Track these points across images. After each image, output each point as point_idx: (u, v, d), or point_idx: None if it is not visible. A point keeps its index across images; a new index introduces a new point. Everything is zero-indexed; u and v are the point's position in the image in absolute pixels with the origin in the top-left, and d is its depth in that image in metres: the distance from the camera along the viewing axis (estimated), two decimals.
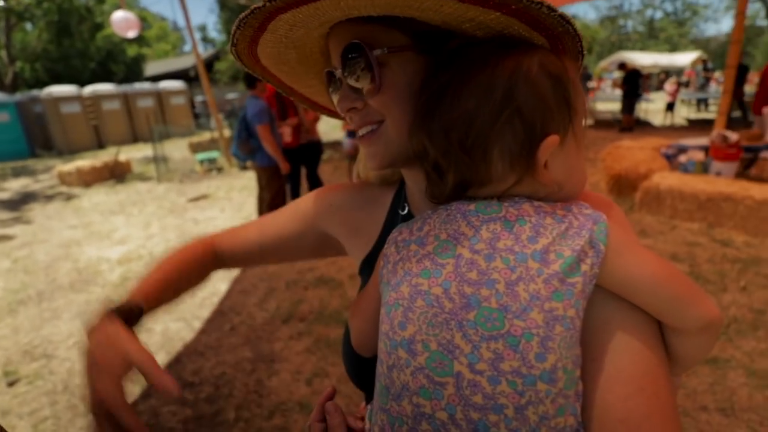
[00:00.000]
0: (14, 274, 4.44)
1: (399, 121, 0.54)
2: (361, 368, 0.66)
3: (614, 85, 14.31)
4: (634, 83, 10.63)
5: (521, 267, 0.42)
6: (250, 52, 0.58)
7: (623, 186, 5.24)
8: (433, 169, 0.48)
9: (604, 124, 12.16)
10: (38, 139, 14.46)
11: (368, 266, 0.73)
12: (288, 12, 0.49)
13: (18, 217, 6.84)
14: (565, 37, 0.49)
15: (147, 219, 6.07)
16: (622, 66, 11.45)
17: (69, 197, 7.96)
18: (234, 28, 0.52)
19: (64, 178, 8.91)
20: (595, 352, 0.44)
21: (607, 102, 14.64)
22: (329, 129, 8.22)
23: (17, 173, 11.28)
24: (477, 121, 0.44)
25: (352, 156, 6.54)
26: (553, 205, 0.46)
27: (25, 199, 8.13)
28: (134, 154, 11.76)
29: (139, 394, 2.47)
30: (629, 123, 10.67)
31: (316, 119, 4.73)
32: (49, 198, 8.05)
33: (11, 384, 2.68)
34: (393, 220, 0.71)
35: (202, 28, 38.40)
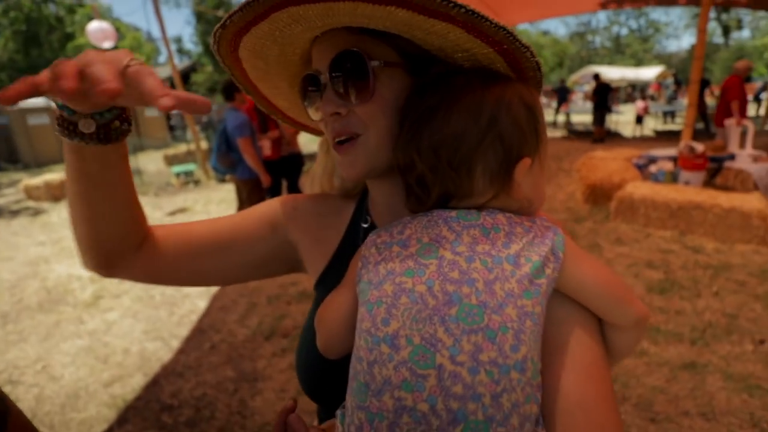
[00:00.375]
0: None
1: (381, 133, 0.58)
2: (321, 378, 0.66)
3: (585, 97, 14.81)
4: (603, 96, 11.06)
5: (497, 268, 0.48)
6: (232, 39, 0.57)
7: (598, 195, 5.40)
8: (417, 182, 0.53)
9: (577, 135, 12.56)
10: (2, 152, 13.86)
11: (326, 280, 0.72)
12: (300, 6, 0.49)
13: None
14: (531, 75, 0.56)
15: None
16: (596, 77, 11.86)
17: (36, 212, 7.63)
18: (242, 5, 0.50)
19: (30, 193, 8.54)
20: (552, 346, 0.50)
21: (580, 114, 15.14)
22: (309, 141, 8.22)
23: None
24: (464, 143, 0.50)
25: None
26: (521, 217, 0.53)
27: None
28: None
29: (115, 419, 2.36)
30: (601, 134, 11.06)
31: (297, 131, 4.70)
32: (15, 213, 7.70)
33: None
34: (354, 233, 0.72)
35: (178, 40, 37.91)
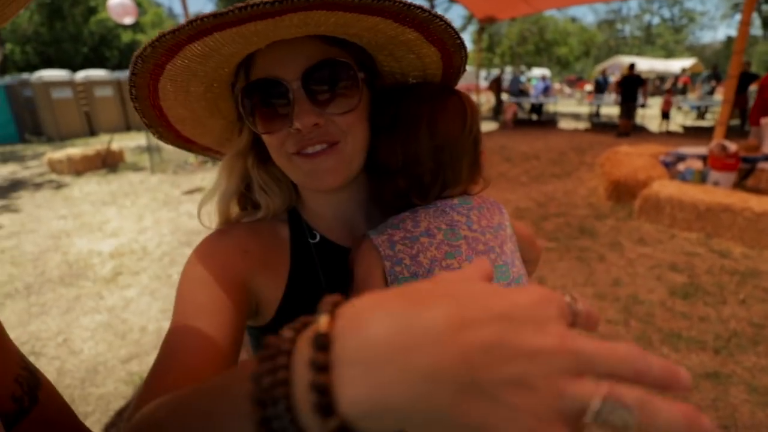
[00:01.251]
0: (1, 266, 4.32)
1: (357, 140, 0.62)
2: None
3: (611, 89, 14.32)
4: (630, 88, 10.65)
5: (499, 235, 0.63)
6: (152, 69, 0.53)
7: (622, 192, 5.25)
8: (415, 180, 0.63)
9: (602, 127, 12.21)
10: (27, 124, 14.12)
11: (287, 305, 0.65)
12: (242, 26, 0.48)
13: (6, 205, 6.68)
14: (456, 55, 0.64)
15: (140, 211, 5.95)
16: (632, 67, 11.32)
17: (59, 186, 7.78)
18: (184, 25, 0.46)
19: (54, 166, 8.71)
20: None
21: (606, 106, 14.69)
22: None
23: (5, 159, 11.02)
24: (458, 146, 0.63)
25: None
26: (480, 196, 0.68)
27: (13, 186, 7.94)
28: (127, 143, 11.53)
29: (132, 397, 2.41)
30: (626, 128, 10.71)
31: None
32: (38, 186, 7.87)
33: None
34: (304, 251, 0.68)
35: None
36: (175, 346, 0.52)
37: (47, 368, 2.70)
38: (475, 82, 14.32)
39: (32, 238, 5.08)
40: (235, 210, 0.71)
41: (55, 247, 4.75)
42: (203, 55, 0.53)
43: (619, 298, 3.17)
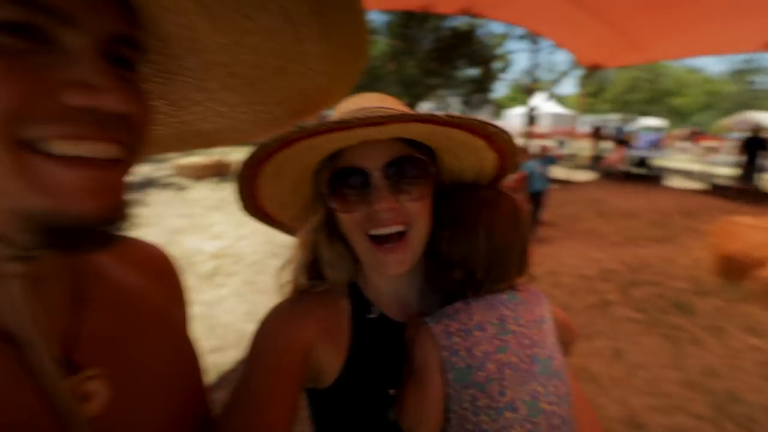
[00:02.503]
0: None
1: (424, 228, 0.71)
2: None
3: (736, 149, 12.75)
4: (757, 149, 9.41)
5: (542, 329, 0.69)
6: (264, 156, 0.63)
7: (734, 269, 4.64)
8: (471, 274, 0.70)
9: (719, 190, 10.90)
10: None
11: (347, 378, 0.72)
12: (354, 130, 0.58)
13: (140, 199, 7.93)
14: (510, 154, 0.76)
15: (241, 219, 6.61)
16: (760, 128, 9.75)
17: (180, 188, 9.03)
18: (315, 126, 0.56)
19: (179, 170, 10.16)
20: None
21: (724, 166, 13.09)
22: None
23: (147, 159, 13.03)
24: (511, 247, 0.71)
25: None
26: (524, 288, 0.74)
27: (147, 184, 9.38)
28: (237, 155, 13.02)
29: (212, 384, 2.70)
30: (747, 194, 9.44)
31: None
32: (165, 186, 9.21)
33: None
34: (362, 326, 0.75)
35: None
36: (249, 398, 0.65)
37: None
38: (574, 126, 13.73)
39: (155, 232, 5.96)
40: (303, 279, 0.79)
41: (170, 242, 5.53)
42: (310, 147, 0.62)
43: (713, 392, 2.81)
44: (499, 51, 15.39)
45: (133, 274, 0.60)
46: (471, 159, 0.75)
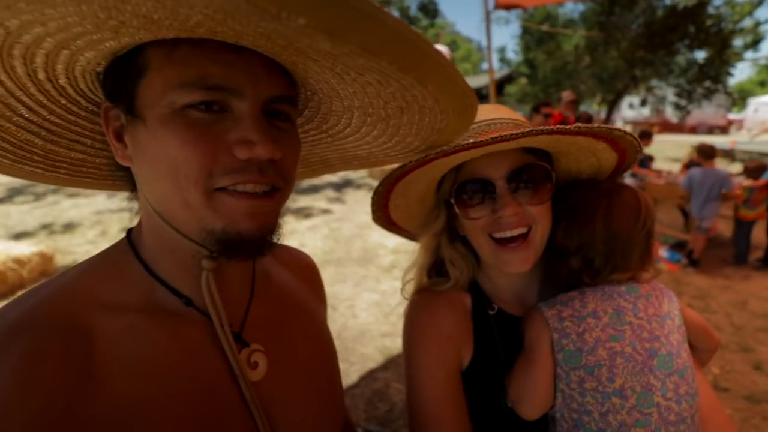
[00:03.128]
0: (328, 241, 6.16)
1: (546, 227, 0.74)
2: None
3: None
4: None
5: (665, 324, 0.68)
6: (401, 175, 0.71)
7: None
8: (589, 261, 0.72)
9: None
10: None
11: (475, 369, 0.77)
12: (487, 146, 0.63)
13: (338, 197, 9.34)
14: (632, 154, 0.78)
15: None
16: None
17: (371, 188, 10.19)
18: (455, 146, 0.61)
19: (371, 172, 11.48)
20: None
21: None
22: None
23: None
24: (631, 237, 0.72)
25: None
26: (650, 283, 0.73)
27: (344, 184, 10.96)
28: None
29: (381, 364, 3.05)
30: None
31: None
32: (359, 186, 10.58)
33: None
34: (484, 321, 0.80)
35: (501, 50, 40.81)
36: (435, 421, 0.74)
37: (336, 322, 3.76)
38: None
39: (348, 225, 6.96)
40: (425, 279, 0.87)
41: (359, 235, 6.37)
42: (442, 163, 0.68)
43: None
44: (745, 23, 12.12)
45: (286, 273, 0.74)
46: (590, 160, 0.76)
